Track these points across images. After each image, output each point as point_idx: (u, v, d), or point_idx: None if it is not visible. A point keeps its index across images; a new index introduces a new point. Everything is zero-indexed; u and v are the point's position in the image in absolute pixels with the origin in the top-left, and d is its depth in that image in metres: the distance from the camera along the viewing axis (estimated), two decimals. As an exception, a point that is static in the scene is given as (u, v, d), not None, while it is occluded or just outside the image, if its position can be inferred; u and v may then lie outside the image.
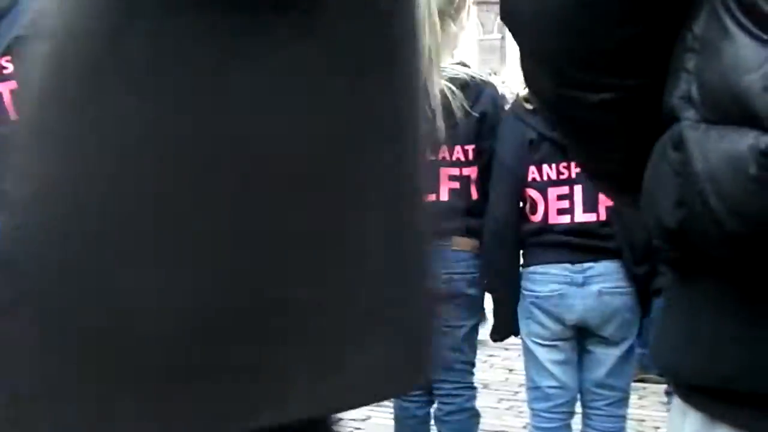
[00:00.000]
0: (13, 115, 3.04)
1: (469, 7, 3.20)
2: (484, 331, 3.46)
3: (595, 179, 1.24)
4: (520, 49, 1.10)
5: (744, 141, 0.88)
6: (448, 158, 3.19)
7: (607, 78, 1.03)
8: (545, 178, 3.06)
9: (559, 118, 1.13)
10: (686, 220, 0.93)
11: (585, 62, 1.02)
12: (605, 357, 3.10)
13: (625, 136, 1.07)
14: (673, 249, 0.98)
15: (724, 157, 0.89)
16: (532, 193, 3.08)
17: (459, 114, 3.13)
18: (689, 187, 0.92)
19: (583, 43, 1.01)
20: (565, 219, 3.02)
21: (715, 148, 0.90)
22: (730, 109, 0.89)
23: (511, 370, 5.20)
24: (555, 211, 3.04)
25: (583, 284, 3.05)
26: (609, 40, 1.00)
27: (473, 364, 3.40)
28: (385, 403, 4.52)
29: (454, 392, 3.34)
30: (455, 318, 3.27)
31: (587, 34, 1.00)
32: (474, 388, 3.41)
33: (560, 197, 3.03)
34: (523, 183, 3.09)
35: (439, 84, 3.11)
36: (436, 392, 3.37)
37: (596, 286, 3.03)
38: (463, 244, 3.23)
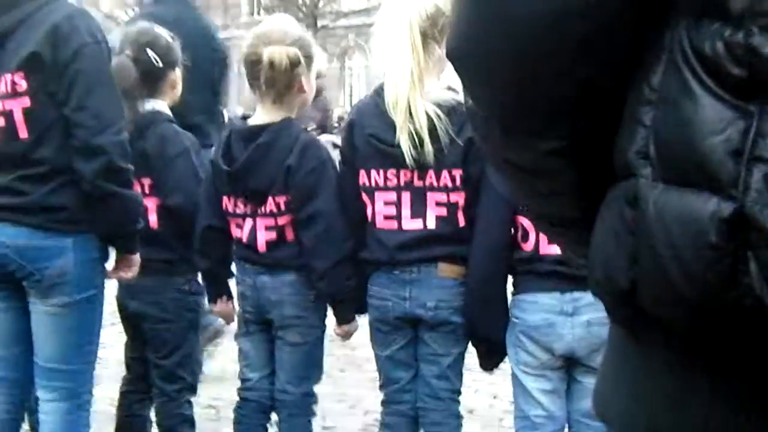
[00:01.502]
0: (24, 133, 3.05)
1: None
2: (469, 357, 3.41)
3: (541, 224, 1.22)
4: (469, 94, 1.07)
5: (705, 206, 0.85)
6: (435, 184, 3.16)
7: (556, 126, 1.00)
8: (538, 207, 3.01)
9: (505, 163, 1.09)
10: (639, 280, 0.91)
11: (535, 110, 0.99)
12: (594, 387, 3.05)
13: (573, 183, 1.04)
14: (623, 307, 0.95)
15: (683, 221, 0.86)
16: (523, 221, 3.04)
17: (445, 139, 3.09)
18: (644, 247, 0.90)
19: (533, 92, 0.98)
20: (557, 249, 2.98)
21: (674, 210, 0.87)
22: (691, 171, 0.87)
23: (495, 396, 5.17)
24: (546, 241, 3.00)
25: (572, 314, 3.01)
26: (559, 89, 0.97)
27: (459, 393, 3.36)
28: (369, 430, 4.50)
29: (441, 421, 3.30)
30: (441, 346, 3.23)
31: (537, 83, 0.97)
32: (460, 417, 3.37)
33: (552, 227, 2.99)
34: (515, 211, 3.05)
35: (424, 108, 3.08)
36: (422, 421, 3.33)
37: (586, 316, 2.99)
38: (449, 271, 3.19)
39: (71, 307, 3.17)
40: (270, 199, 3.35)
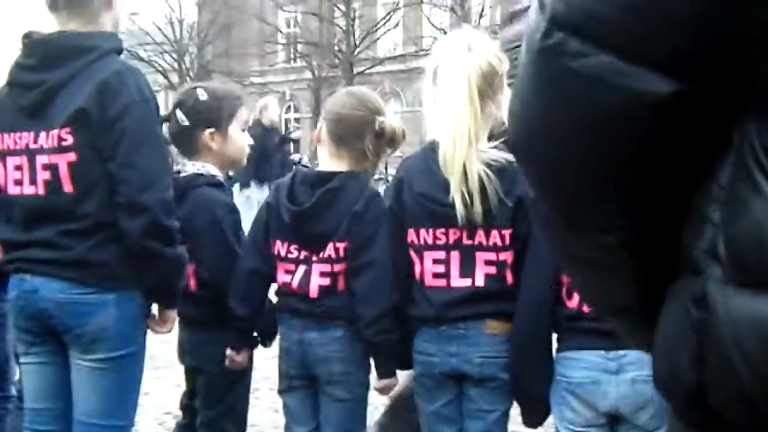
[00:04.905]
0: (68, 187, 3.07)
1: (504, 87, 3.20)
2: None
3: (600, 310, 1.20)
4: (532, 187, 1.07)
5: None
6: (484, 242, 3.17)
7: (622, 221, 0.99)
8: (582, 264, 3.02)
9: (570, 257, 1.09)
10: (706, 380, 0.90)
11: (601, 206, 0.99)
12: (639, 445, 3.06)
13: (636, 275, 1.03)
14: (690, 406, 0.94)
15: (755, 325, 0.85)
16: (568, 278, 3.06)
17: (494, 199, 3.12)
18: (712, 348, 0.89)
19: (601, 188, 0.98)
20: (601, 307, 2.99)
21: (745, 313, 0.86)
22: (763, 273, 0.85)
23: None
24: (591, 298, 3.01)
25: (617, 371, 2.99)
26: (628, 184, 0.97)
27: (504, 448, 3.35)
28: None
29: (485, 476, 3.29)
30: (487, 402, 3.24)
31: (605, 179, 0.97)
32: (504, 472, 3.36)
33: (597, 284, 3.00)
34: (560, 268, 3.06)
35: (477, 167, 3.10)
36: (466, 477, 3.32)
37: (630, 374, 2.98)
38: (497, 327, 3.20)
39: (111, 363, 3.16)
40: (330, 244, 3.38)
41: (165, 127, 3.65)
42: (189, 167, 3.73)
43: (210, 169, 3.75)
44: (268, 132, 13.60)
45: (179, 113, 3.73)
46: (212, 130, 3.72)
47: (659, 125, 0.92)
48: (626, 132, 0.93)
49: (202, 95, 3.76)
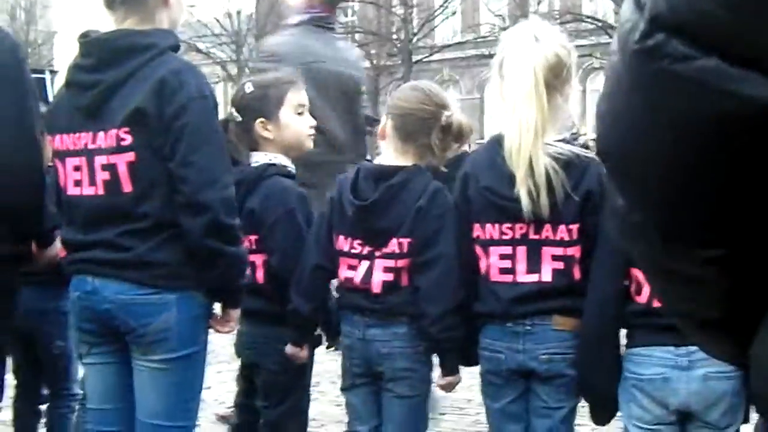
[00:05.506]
0: (128, 187, 3.04)
1: (572, 78, 3.14)
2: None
3: (687, 328, 1.11)
4: (623, 197, 0.99)
5: None
6: (551, 237, 3.13)
7: (716, 234, 0.93)
8: (653, 259, 2.96)
9: (660, 270, 1.03)
10: None
11: (699, 217, 0.93)
12: (710, 443, 3.00)
13: (726, 289, 0.96)
14: None
15: None
16: (638, 273, 2.98)
17: (560, 194, 3.07)
18: None
19: (693, 197, 0.91)
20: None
21: None
22: None
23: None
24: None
25: (688, 368, 2.94)
26: (721, 196, 0.90)
27: (571, 446, 3.30)
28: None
29: (551, 473, 3.24)
30: (554, 399, 3.19)
31: (698, 189, 0.91)
32: (571, 470, 3.31)
33: (668, 280, 2.94)
34: (630, 263, 3.00)
35: (544, 160, 3.05)
36: (533, 473, 3.27)
37: (701, 370, 2.92)
38: (564, 323, 3.15)
39: (173, 364, 3.14)
40: (394, 240, 3.35)
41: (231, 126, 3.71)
42: (260, 158, 3.71)
43: (281, 159, 3.73)
44: None
45: (233, 111, 3.75)
46: (262, 119, 3.71)
47: (765, 134, 0.86)
48: (728, 139, 0.87)
49: (249, 88, 3.78)
